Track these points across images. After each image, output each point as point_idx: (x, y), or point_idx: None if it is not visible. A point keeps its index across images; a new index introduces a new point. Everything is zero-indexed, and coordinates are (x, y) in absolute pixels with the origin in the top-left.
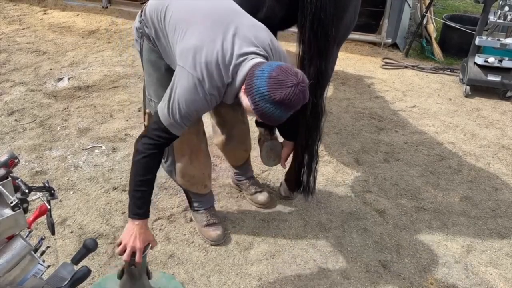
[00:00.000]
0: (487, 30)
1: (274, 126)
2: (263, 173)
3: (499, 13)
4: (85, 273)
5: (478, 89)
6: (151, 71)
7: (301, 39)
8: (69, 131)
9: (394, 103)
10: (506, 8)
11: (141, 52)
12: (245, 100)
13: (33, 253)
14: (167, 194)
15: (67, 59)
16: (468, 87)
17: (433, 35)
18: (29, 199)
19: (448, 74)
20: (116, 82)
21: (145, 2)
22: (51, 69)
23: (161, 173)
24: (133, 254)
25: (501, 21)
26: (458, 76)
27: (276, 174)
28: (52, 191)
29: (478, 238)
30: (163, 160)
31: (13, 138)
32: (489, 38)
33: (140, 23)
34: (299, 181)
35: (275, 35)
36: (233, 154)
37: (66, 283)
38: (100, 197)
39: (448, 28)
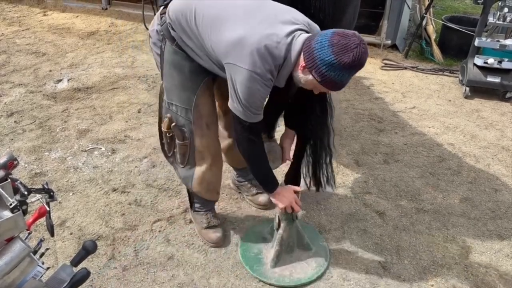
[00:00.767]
0: (486, 31)
1: (272, 128)
2: None
3: (498, 14)
4: (85, 275)
5: (477, 90)
6: (174, 74)
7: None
8: (68, 132)
9: (394, 104)
10: (506, 9)
11: (161, 55)
12: (305, 77)
13: (32, 255)
14: (166, 196)
15: (67, 60)
16: (467, 88)
17: (433, 36)
18: (28, 201)
19: (447, 75)
20: (115, 83)
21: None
22: (50, 71)
23: (161, 175)
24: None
25: (501, 22)
26: (458, 77)
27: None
28: (52, 193)
29: (478, 239)
30: (181, 166)
31: (12, 139)
32: (489, 39)
33: (162, 25)
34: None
35: None
36: (237, 158)
37: (65, 285)
38: (100, 198)
39: (448, 29)
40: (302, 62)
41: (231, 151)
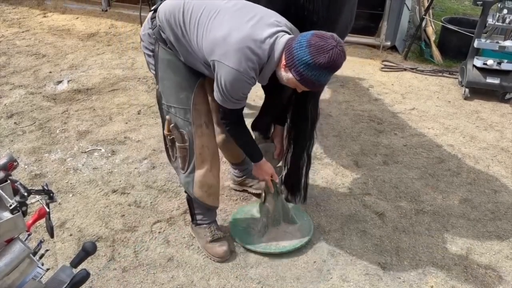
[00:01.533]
0: (486, 33)
1: (268, 129)
2: None
3: (497, 15)
4: (84, 276)
5: (477, 91)
6: (170, 75)
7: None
8: (68, 134)
9: (393, 105)
10: (505, 11)
11: (155, 58)
12: (286, 75)
13: (32, 256)
14: (166, 197)
15: (67, 62)
16: (467, 90)
17: (432, 37)
18: (28, 202)
19: (447, 77)
20: (115, 84)
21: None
22: (50, 72)
23: (160, 176)
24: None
25: (500, 23)
26: (457, 78)
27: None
28: (51, 194)
29: (478, 240)
30: (182, 171)
31: (12, 141)
32: (488, 41)
33: (153, 29)
34: (293, 186)
35: None
36: (231, 152)
37: (65, 286)
38: (99, 200)
39: (447, 30)
40: (283, 61)
41: (226, 146)
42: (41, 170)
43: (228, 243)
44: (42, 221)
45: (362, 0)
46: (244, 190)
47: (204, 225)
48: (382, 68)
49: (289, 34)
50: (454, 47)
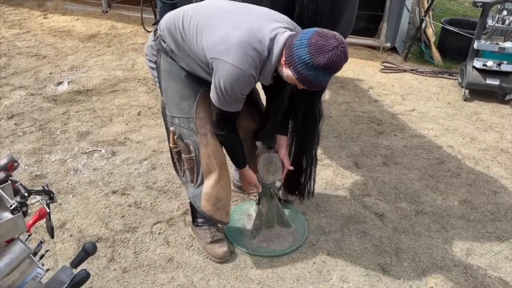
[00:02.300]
0: (485, 34)
1: (272, 140)
2: None
3: (497, 17)
4: (84, 277)
5: (477, 92)
6: (172, 84)
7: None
8: (68, 134)
9: (393, 106)
10: (505, 12)
11: (158, 69)
12: (286, 72)
13: (32, 256)
14: (166, 198)
15: (67, 63)
16: (467, 91)
17: (432, 39)
18: (28, 202)
19: (447, 78)
20: (115, 86)
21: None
22: (51, 73)
23: (160, 177)
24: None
25: (500, 25)
26: (457, 79)
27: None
28: (52, 195)
29: (477, 241)
30: (191, 185)
31: (12, 141)
32: (488, 42)
33: (155, 40)
34: (298, 185)
35: None
36: None
37: (65, 286)
38: (100, 200)
39: (447, 32)
40: (283, 57)
41: None
42: (41, 171)
43: (228, 244)
44: (43, 221)
45: (362, 1)
46: (244, 193)
47: (205, 227)
48: (382, 69)
49: (291, 30)
50: (454, 48)
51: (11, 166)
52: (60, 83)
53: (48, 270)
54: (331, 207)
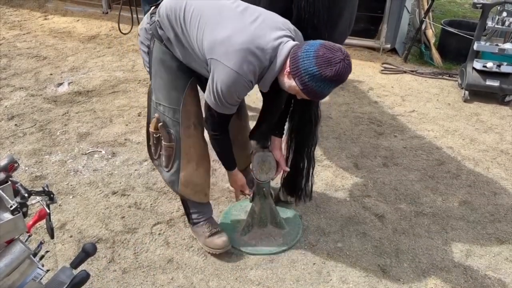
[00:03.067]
0: (485, 35)
1: (266, 139)
2: None
3: (497, 18)
4: (84, 277)
5: (476, 94)
6: (162, 73)
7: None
8: (68, 135)
9: (393, 108)
10: (504, 14)
11: (150, 54)
12: (288, 82)
13: (32, 257)
14: (166, 199)
15: (67, 64)
16: (466, 92)
17: (432, 40)
18: (28, 203)
19: (447, 79)
20: (116, 87)
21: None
22: (51, 74)
23: (160, 178)
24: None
25: (499, 26)
26: (457, 81)
27: (275, 179)
28: (52, 195)
29: (477, 242)
30: (165, 169)
31: (13, 142)
32: (488, 43)
33: (151, 24)
34: (296, 186)
35: None
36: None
37: (65, 287)
38: (100, 201)
39: (447, 33)
40: (287, 68)
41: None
42: (41, 172)
43: (226, 234)
44: (43, 222)
45: (362, 2)
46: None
47: (201, 223)
48: (382, 70)
49: (293, 39)
50: (454, 49)
51: (11, 167)
52: (60, 84)
53: (48, 270)
54: (331, 208)
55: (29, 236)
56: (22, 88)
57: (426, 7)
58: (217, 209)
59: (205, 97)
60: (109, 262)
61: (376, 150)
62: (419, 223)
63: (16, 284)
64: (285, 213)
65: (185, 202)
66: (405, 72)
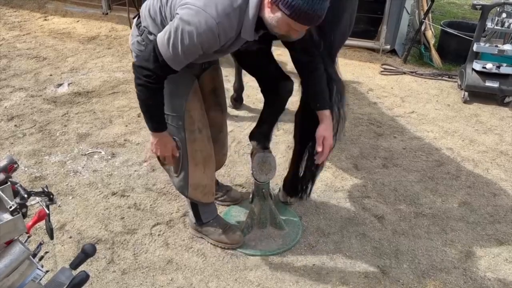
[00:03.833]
0: (485, 37)
1: (266, 139)
2: None
3: (496, 19)
4: (84, 278)
5: (476, 95)
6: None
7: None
8: (68, 136)
9: (393, 109)
10: (504, 15)
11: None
12: (275, 16)
13: (31, 258)
14: (166, 200)
15: (67, 65)
16: (466, 93)
17: (432, 41)
18: (28, 204)
19: (446, 80)
20: (115, 87)
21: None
22: (51, 75)
23: (160, 179)
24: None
25: (499, 27)
26: (457, 82)
27: (275, 180)
28: (51, 196)
29: (477, 243)
30: (174, 175)
31: (12, 143)
32: (487, 44)
33: (141, 34)
34: (298, 187)
35: (271, 44)
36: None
37: None
38: (99, 202)
39: (447, 34)
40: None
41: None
42: (41, 173)
43: (238, 228)
44: (42, 223)
45: (362, 4)
46: None
47: (211, 221)
48: (382, 71)
49: None
50: (454, 50)
51: (10, 167)
52: (60, 85)
53: (47, 271)
54: (331, 209)
55: (29, 237)
56: (22, 88)
57: (425, 8)
58: (218, 211)
59: (157, 38)
60: (109, 263)
61: (376, 151)
62: (418, 224)
63: (16, 285)
64: (285, 214)
65: (194, 204)
66: (404, 73)
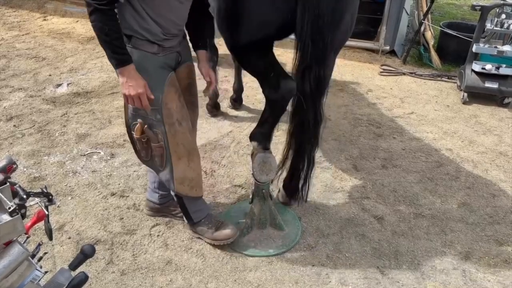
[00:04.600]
0: (484, 37)
1: (268, 141)
2: None
3: (496, 20)
4: (83, 279)
5: (475, 96)
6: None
7: (298, 46)
8: (67, 136)
9: (392, 109)
10: (503, 16)
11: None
12: None
13: (30, 259)
14: None
15: (67, 65)
16: (465, 94)
17: (431, 42)
18: (27, 204)
19: (445, 81)
20: (115, 88)
21: None
22: (50, 75)
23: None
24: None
25: (498, 28)
26: (456, 83)
27: (275, 181)
28: (50, 197)
29: (476, 244)
30: (160, 169)
31: (11, 143)
32: (486, 45)
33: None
34: (294, 187)
35: (272, 44)
36: None
37: None
38: (98, 203)
39: (446, 35)
40: None
41: None
42: (40, 173)
43: (231, 223)
44: (41, 223)
45: (362, 4)
46: (163, 215)
47: (203, 220)
48: (381, 72)
49: None
50: (453, 51)
51: (9, 168)
52: (59, 85)
53: (46, 272)
54: (330, 210)
55: (28, 237)
56: (21, 89)
57: (425, 9)
58: (216, 211)
59: None
60: (108, 264)
61: (375, 151)
62: (418, 225)
63: (15, 286)
64: (285, 214)
65: (182, 202)
66: (404, 74)
